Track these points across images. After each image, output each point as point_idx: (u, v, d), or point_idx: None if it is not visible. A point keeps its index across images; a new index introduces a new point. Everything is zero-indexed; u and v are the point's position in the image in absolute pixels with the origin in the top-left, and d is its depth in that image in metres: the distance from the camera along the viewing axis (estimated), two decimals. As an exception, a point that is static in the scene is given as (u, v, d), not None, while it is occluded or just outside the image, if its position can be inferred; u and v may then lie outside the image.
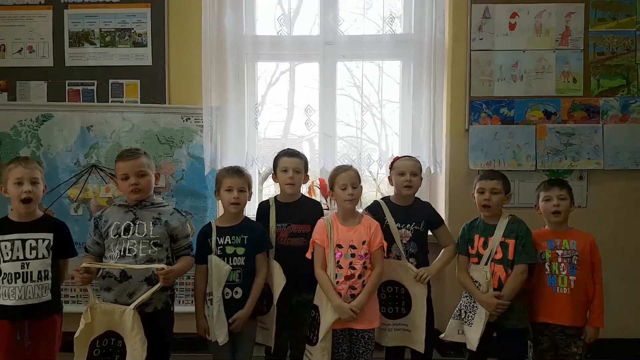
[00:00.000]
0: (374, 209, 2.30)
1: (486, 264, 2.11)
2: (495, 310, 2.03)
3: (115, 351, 1.87)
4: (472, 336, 2.09)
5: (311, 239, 2.13)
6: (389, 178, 2.39)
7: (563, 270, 2.07)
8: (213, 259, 2.05)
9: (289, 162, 2.25)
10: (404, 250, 2.23)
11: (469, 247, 2.21)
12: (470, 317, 2.13)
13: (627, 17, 2.87)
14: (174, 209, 2.16)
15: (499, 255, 2.10)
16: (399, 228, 2.24)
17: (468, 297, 2.17)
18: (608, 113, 2.89)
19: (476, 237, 2.19)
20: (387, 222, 2.24)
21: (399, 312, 2.21)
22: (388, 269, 2.17)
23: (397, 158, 2.38)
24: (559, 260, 2.09)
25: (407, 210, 2.28)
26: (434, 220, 2.33)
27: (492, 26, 2.88)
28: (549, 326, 2.10)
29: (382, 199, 2.38)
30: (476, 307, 2.11)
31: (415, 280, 2.17)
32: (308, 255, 2.12)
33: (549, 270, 2.11)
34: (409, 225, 2.25)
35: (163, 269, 1.89)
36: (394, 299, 2.22)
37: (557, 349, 2.11)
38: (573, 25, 2.87)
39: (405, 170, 2.25)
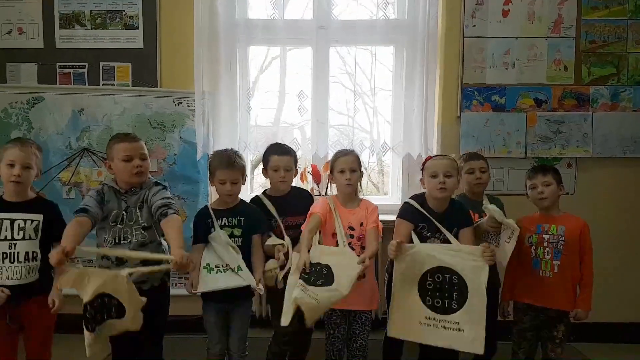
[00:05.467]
0: (409, 212, 2.04)
1: None
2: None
3: (110, 308, 1.69)
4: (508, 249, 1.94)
5: (309, 212, 2.11)
6: (421, 180, 2.12)
7: (547, 255, 2.12)
8: (222, 234, 2.06)
9: (280, 161, 2.22)
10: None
11: None
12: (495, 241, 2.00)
13: (620, 5, 2.88)
14: (153, 183, 2.05)
15: None
16: (428, 238, 2.00)
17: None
18: (598, 101, 2.91)
19: (470, 212, 2.17)
20: (423, 225, 2.01)
21: (447, 307, 1.86)
22: (433, 256, 1.91)
23: (430, 157, 2.13)
24: (545, 244, 2.14)
25: (443, 217, 2.01)
26: (465, 224, 2.06)
27: (485, 13, 2.88)
28: (532, 307, 2.16)
29: (412, 198, 2.11)
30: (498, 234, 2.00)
31: (476, 265, 1.85)
32: (303, 227, 2.11)
33: (534, 253, 2.16)
34: (438, 234, 2.00)
35: (170, 261, 1.73)
36: (442, 290, 1.87)
37: (540, 330, 2.17)
38: (565, 13, 2.88)
39: (438, 171, 1.99)
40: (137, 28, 2.92)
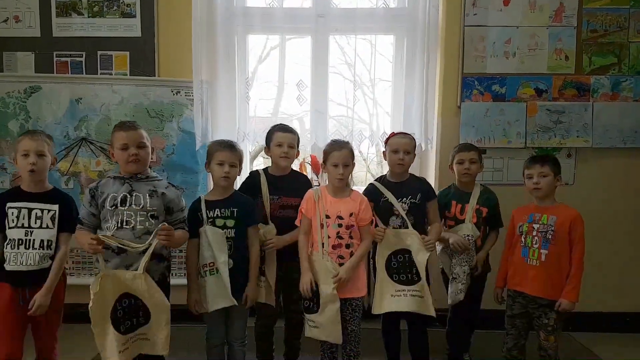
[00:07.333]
0: (371, 192, 2.31)
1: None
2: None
3: (137, 309, 1.90)
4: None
5: (299, 208, 2.18)
6: (384, 153, 2.41)
7: (535, 244, 2.14)
8: (208, 229, 2.05)
9: (284, 137, 2.27)
10: (406, 220, 2.24)
11: (445, 211, 2.40)
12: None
13: (622, -6, 2.86)
14: (169, 182, 2.15)
15: (474, 220, 2.34)
16: (392, 206, 2.25)
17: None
18: (598, 91, 2.90)
19: (453, 203, 2.39)
20: (385, 198, 2.26)
21: (411, 279, 2.20)
22: (397, 238, 2.22)
23: (393, 134, 2.39)
24: (534, 233, 2.15)
25: (401, 186, 2.31)
26: (429, 194, 2.33)
27: (486, 1, 2.85)
28: (522, 294, 2.18)
29: (375, 180, 2.39)
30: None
31: (419, 248, 2.18)
32: (297, 223, 2.18)
33: (523, 242, 2.18)
34: (405, 199, 2.27)
35: (165, 225, 1.91)
36: (405, 266, 2.21)
37: (530, 317, 2.18)
38: (567, 2, 2.85)
39: (399, 148, 2.27)
40: (134, 16, 2.90)
